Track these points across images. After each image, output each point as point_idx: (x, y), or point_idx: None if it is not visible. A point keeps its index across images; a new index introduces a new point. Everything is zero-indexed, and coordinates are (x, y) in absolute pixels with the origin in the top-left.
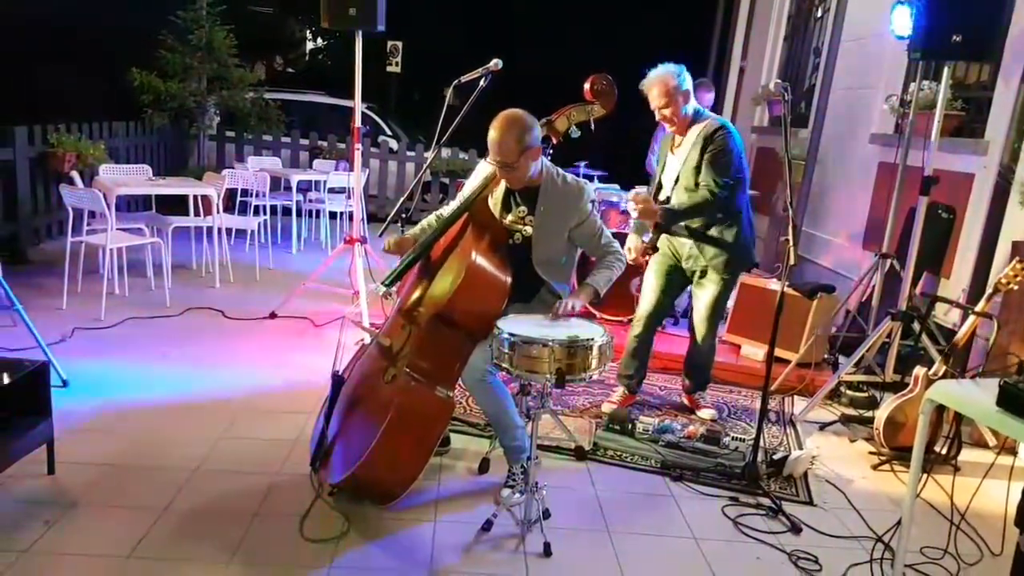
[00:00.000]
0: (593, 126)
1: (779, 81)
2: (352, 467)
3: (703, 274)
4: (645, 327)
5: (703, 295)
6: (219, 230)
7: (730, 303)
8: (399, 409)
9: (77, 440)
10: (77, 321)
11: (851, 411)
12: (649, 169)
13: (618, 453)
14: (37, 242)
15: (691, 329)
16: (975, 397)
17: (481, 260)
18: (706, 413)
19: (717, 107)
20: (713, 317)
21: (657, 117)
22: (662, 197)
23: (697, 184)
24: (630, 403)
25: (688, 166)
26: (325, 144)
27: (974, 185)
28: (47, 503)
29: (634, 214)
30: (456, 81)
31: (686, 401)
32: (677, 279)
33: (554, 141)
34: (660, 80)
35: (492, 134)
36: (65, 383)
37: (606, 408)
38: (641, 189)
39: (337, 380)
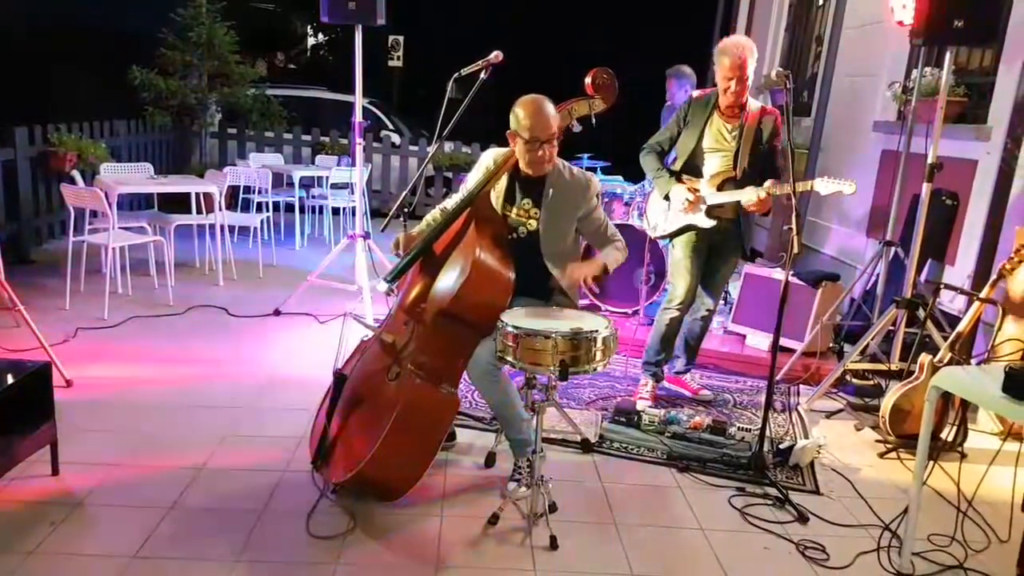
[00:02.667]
0: (594, 120)
1: (781, 69)
2: (357, 466)
3: (729, 249)
4: (683, 310)
5: (725, 270)
6: (222, 227)
7: (735, 293)
8: (404, 407)
9: (81, 440)
10: (80, 321)
11: (857, 399)
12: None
13: (624, 445)
14: (39, 242)
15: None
16: (981, 383)
17: (485, 255)
18: (705, 394)
19: None
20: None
21: (723, 87)
22: (711, 169)
23: (758, 162)
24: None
25: (747, 144)
26: (328, 140)
27: (977, 171)
28: (52, 504)
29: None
30: (456, 74)
31: (685, 390)
32: (704, 259)
33: None
34: (743, 52)
35: (531, 115)
36: (69, 383)
37: (641, 406)
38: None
39: (339, 378)
